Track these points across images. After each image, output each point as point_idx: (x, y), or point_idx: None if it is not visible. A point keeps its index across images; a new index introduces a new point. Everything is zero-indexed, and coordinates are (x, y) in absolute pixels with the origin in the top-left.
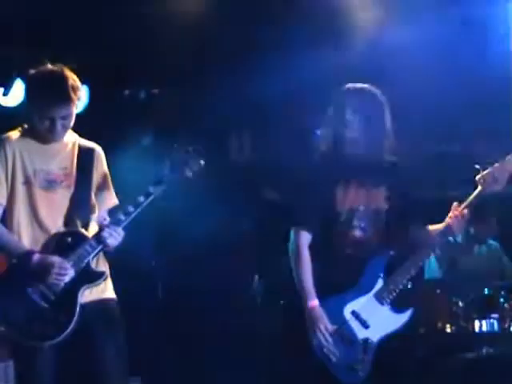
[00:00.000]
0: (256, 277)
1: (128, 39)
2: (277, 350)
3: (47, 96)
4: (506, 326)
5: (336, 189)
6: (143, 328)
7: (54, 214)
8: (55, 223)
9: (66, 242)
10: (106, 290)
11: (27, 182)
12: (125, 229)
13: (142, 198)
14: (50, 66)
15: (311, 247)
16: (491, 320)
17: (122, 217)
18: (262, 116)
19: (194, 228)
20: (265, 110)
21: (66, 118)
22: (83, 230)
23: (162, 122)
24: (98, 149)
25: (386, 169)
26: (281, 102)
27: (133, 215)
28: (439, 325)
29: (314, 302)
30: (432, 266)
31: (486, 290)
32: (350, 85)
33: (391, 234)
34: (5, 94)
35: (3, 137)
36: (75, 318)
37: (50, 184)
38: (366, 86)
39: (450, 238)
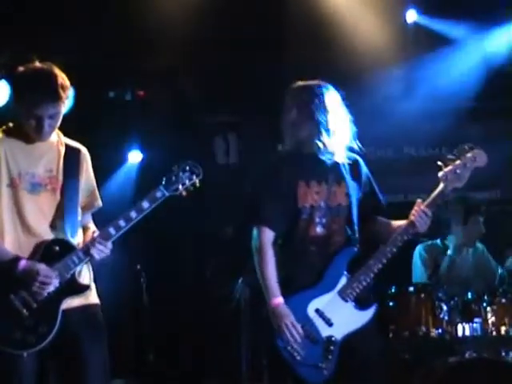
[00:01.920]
0: (240, 280)
1: (114, 39)
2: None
3: (35, 93)
4: (489, 329)
5: (297, 187)
6: (128, 331)
7: (40, 218)
8: (42, 227)
9: (54, 251)
10: (89, 296)
11: (12, 185)
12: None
13: (134, 214)
14: (38, 64)
15: (275, 245)
16: (474, 324)
17: (113, 231)
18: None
19: (179, 229)
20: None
21: (54, 117)
22: (71, 240)
23: (148, 123)
24: (84, 149)
25: (347, 165)
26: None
27: (123, 230)
28: (423, 329)
29: (279, 300)
30: (418, 271)
31: (469, 293)
32: (303, 82)
33: (354, 231)
34: None
35: None
36: (56, 328)
37: (35, 187)
38: (318, 82)
39: (438, 242)
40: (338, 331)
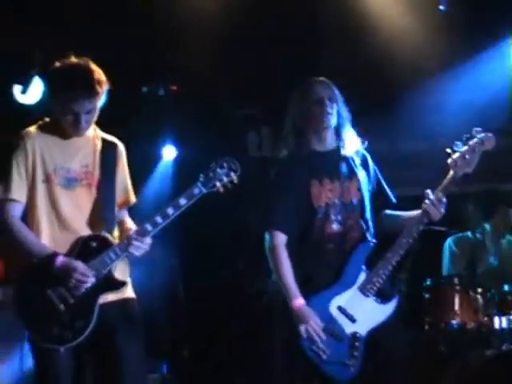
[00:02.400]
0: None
1: (146, 34)
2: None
3: (72, 89)
4: None
5: (310, 186)
6: (163, 325)
7: (76, 214)
8: (79, 223)
9: (91, 247)
10: (126, 290)
11: (47, 180)
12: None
13: (170, 210)
14: (74, 59)
15: (291, 246)
16: (511, 316)
17: (149, 227)
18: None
19: (214, 224)
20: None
21: (91, 112)
22: (109, 236)
23: (182, 118)
24: (120, 144)
25: (357, 159)
26: None
27: (160, 227)
28: (459, 321)
29: (300, 301)
30: (447, 263)
31: (505, 286)
32: (313, 78)
33: (369, 225)
34: (23, 92)
35: (23, 132)
36: (92, 324)
37: (70, 182)
38: (320, 79)
39: (469, 234)
40: (362, 327)
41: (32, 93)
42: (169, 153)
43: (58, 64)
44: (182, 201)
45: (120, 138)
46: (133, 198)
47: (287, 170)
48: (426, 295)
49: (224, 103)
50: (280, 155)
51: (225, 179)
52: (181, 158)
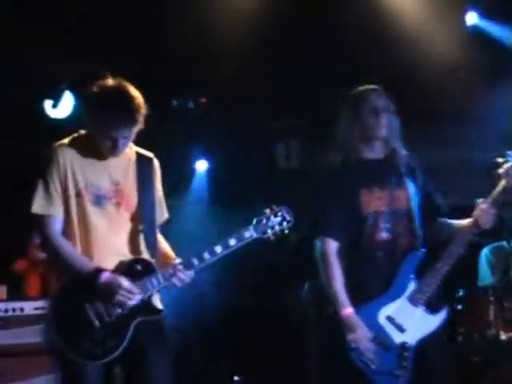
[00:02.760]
0: (306, 285)
1: (174, 47)
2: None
3: (112, 118)
4: None
5: (360, 195)
6: (194, 334)
7: (110, 233)
8: (114, 243)
9: (135, 269)
10: (156, 302)
11: (78, 195)
12: None
13: (219, 249)
14: (112, 82)
15: (341, 254)
16: None
17: (196, 262)
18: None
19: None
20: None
21: (129, 137)
22: (153, 261)
23: (211, 130)
24: (155, 160)
25: (406, 168)
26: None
27: (207, 263)
28: (493, 332)
29: (349, 310)
30: (484, 273)
31: None
32: (366, 86)
33: (418, 234)
34: (54, 106)
35: (56, 145)
36: (124, 345)
37: (99, 200)
38: (368, 86)
39: (504, 244)
40: (411, 337)
41: (63, 107)
42: (201, 166)
43: (96, 88)
44: (232, 241)
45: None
46: (166, 215)
47: (338, 178)
48: (459, 306)
49: (253, 115)
50: (330, 163)
51: (277, 228)
52: (212, 170)
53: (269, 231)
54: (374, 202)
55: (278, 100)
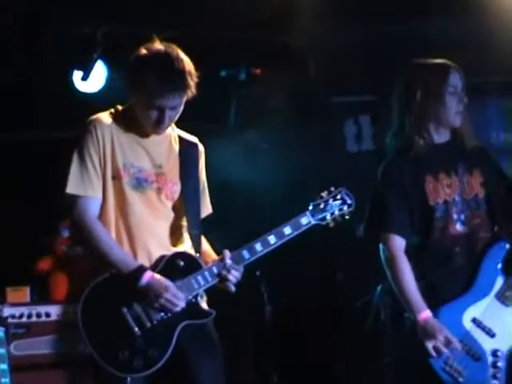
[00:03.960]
0: (379, 287)
1: (223, 10)
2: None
3: (161, 82)
4: None
5: (425, 182)
6: (247, 346)
7: (151, 221)
8: (153, 233)
9: (177, 266)
10: (203, 303)
11: (116, 177)
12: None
13: (273, 239)
14: (160, 46)
15: (408, 252)
16: None
17: (247, 255)
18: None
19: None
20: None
21: (176, 108)
22: (198, 256)
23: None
24: (200, 145)
25: (475, 152)
26: None
27: (259, 255)
28: None
29: (426, 313)
30: None
31: None
32: (443, 61)
33: (498, 224)
34: (84, 79)
35: (94, 119)
36: (167, 355)
37: (140, 183)
38: (445, 61)
39: None
40: (503, 342)
41: (94, 79)
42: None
43: (142, 51)
44: (287, 230)
45: (193, 131)
46: (209, 208)
47: (397, 165)
48: None
49: (318, 89)
50: (389, 149)
51: (337, 213)
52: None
53: (328, 217)
54: (443, 189)
55: (344, 72)
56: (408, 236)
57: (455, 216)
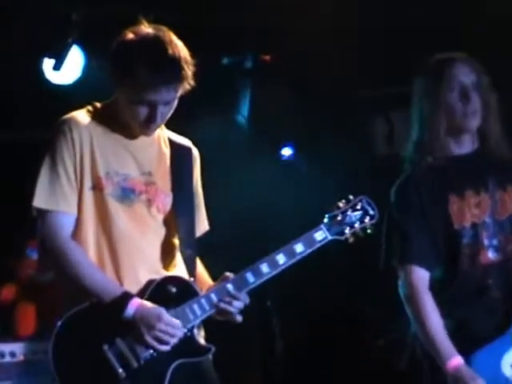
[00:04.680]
0: None
1: None
2: None
3: (152, 73)
4: None
5: (448, 203)
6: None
7: (139, 241)
8: (142, 255)
9: (168, 292)
10: (199, 337)
11: (96, 187)
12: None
13: (282, 258)
14: (149, 29)
15: (433, 287)
16: None
17: (251, 278)
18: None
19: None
20: None
21: (169, 103)
22: (192, 281)
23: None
24: (195, 149)
25: (509, 162)
26: None
27: (265, 278)
28: None
29: (457, 360)
30: None
31: None
32: (454, 54)
33: None
34: (56, 68)
35: (68, 118)
36: None
37: (126, 194)
38: (461, 54)
39: None
40: None
41: (69, 69)
42: None
43: (129, 35)
44: (299, 247)
45: (191, 129)
46: (205, 225)
47: (415, 184)
48: None
49: (338, 80)
50: (406, 164)
51: (357, 226)
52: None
53: (347, 230)
54: (469, 210)
55: (370, 60)
56: (432, 267)
57: (486, 242)
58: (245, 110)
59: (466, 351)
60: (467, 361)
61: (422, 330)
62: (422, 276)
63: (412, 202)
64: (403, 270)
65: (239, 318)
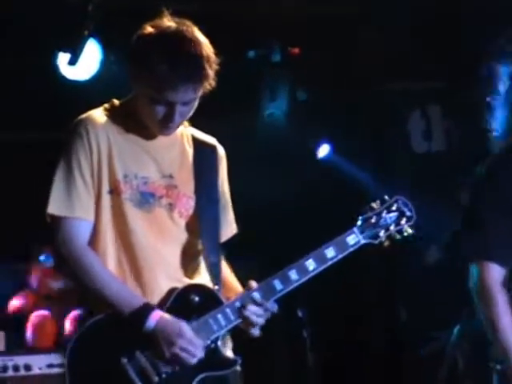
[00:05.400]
0: (456, 329)
1: None
2: None
3: (172, 71)
4: None
5: None
6: None
7: (159, 248)
8: (162, 263)
9: (191, 302)
10: (225, 349)
11: (114, 192)
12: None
13: (312, 264)
14: (171, 23)
15: (507, 283)
16: None
17: (279, 285)
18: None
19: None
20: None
21: (189, 103)
22: (217, 289)
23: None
24: (220, 148)
25: None
26: None
27: (294, 285)
28: None
29: None
30: None
31: None
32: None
33: None
34: (71, 63)
35: (84, 118)
36: None
37: (145, 199)
38: None
39: None
40: None
41: (85, 64)
42: None
43: (148, 29)
44: (330, 252)
45: (215, 128)
46: (234, 228)
47: (498, 173)
48: None
49: (372, 73)
50: (489, 151)
51: (392, 228)
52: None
53: (381, 233)
54: None
55: (405, 52)
56: (509, 264)
57: None
58: (282, 104)
59: None
60: None
61: (492, 327)
62: (498, 273)
63: (501, 189)
64: (478, 264)
65: (257, 332)
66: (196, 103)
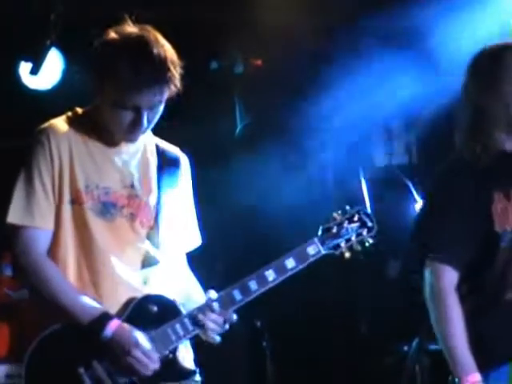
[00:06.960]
0: (414, 342)
1: None
2: None
3: (137, 74)
4: None
5: (492, 201)
6: None
7: (120, 258)
8: (123, 273)
9: (149, 312)
10: (183, 360)
11: (75, 201)
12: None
13: (271, 274)
14: (133, 29)
15: (460, 290)
16: None
17: (238, 296)
18: None
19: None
20: None
21: (156, 107)
22: (176, 299)
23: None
24: (184, 157)
25: None
26: None
27: (253, 296)
28: None
29: (475, 378)
30: None
31: None
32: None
33: None
34: (33, 72)
35: (46, 127)
36: None
37: (107, 208)
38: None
39: None
40: None
41: (47, 73)
42: None
43: (111, 35)
44: (290, 263)
45: (177, 138)
46: (197, 240)
47: (459, 176)
48: None
49: None
50: (450, 157)
51: (354, 239)
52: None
53: (342, 244)
54: None
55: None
56: (463, 269)
57: None
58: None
59: (483, 368)
60: (485, 379)
61: (443, 338)
62: (451, 276)
63: (454, 193)
64: (432, 265)
65: (217, 339)
66: (161, 108)
